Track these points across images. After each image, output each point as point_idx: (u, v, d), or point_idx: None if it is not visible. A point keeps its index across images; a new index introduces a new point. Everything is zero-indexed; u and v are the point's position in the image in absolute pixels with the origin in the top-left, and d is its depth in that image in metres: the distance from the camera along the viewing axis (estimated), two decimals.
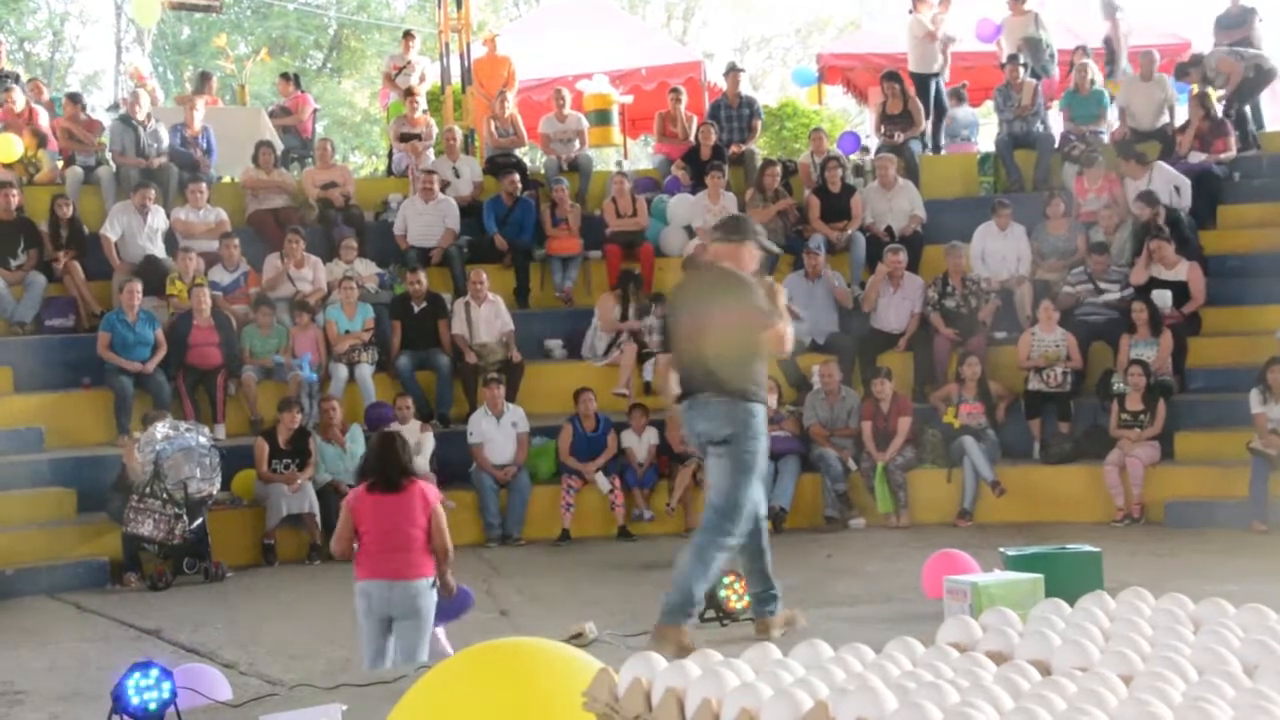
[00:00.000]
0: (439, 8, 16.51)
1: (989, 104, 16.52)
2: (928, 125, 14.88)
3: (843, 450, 11.59)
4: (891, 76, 14.78)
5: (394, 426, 10.53)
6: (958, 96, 15.75)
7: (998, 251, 12.99)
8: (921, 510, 11.44)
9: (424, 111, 15.34)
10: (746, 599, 6.49)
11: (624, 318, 13.01)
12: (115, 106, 17.68)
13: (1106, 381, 11.66)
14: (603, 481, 11.51)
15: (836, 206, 13.67)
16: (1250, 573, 8.21)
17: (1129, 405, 11.26)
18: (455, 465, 11.62)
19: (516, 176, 14.05)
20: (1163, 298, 12.03)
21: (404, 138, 14.90)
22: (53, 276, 12.53)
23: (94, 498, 10.74)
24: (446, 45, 16.09)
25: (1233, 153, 13.71)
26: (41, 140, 13.81)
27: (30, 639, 8.66)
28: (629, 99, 17.49)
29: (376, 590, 6.46)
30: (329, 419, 11.44)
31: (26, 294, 12.31)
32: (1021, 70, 14.48)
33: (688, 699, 3.12)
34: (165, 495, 10.05)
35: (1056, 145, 14.32)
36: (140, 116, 13.63)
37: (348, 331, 12.41)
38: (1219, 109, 13.97)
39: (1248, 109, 14.39)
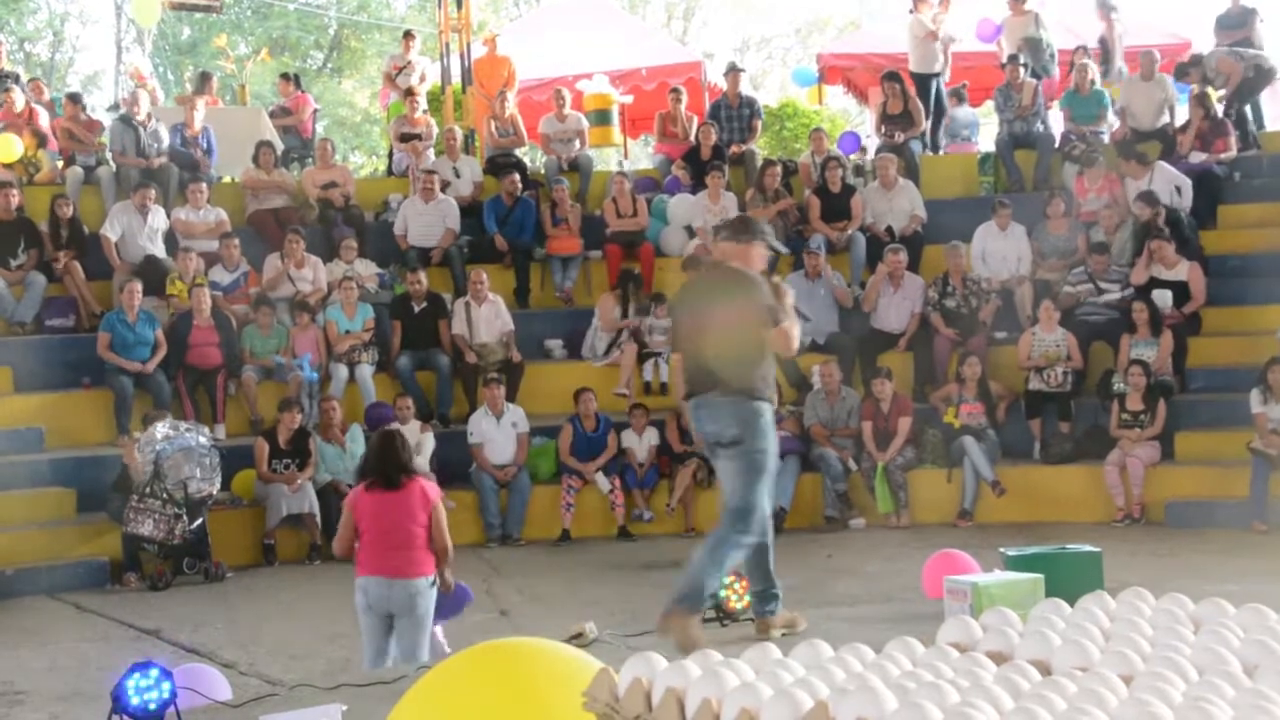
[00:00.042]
0: (439, 8, 16.51)
1: (989, 104, 16.52)
2: (927, 125, 14.88)
3: (843, 450, 11.59)
4: (892, 76, 14.77)
5: (394, 426, 10.51)
6: (958, 96, 15.75)
7: (998, 251, 12.99)
8: (922, 510, 11.44)
9: (424, 111, 15.34)
10: (747, 599, 6.50)
11: (624, 318, 13.01)
12: (115, 106, 17.68)
13: (1107, 381, 11.66)
14: (603, 481, 11.50)
15: (837, 206, 13.67)
16: (1250, 573, 8.20)
17: (1129, 405, 11.26)
18: (455, 465, 11.62)
19: (516, 176, 14.05)
20: (1163, 298, 12.03)
21: (404, 138, 14.90)
22: (53, 276, 12.53)
23: (94, 498, 10.74)
24: (446, 45, 16.09)
25: (1233, 153, 13.71)
26: (41, 140, 13.81)
27: (30, 639, 8.66)
28: (629, 99, 17.49)
29: (375, 587, 6.46)
30: (329, 419, 11.44)
31: (26, 294, 12.31)
32: (1022, 70, 14.48)
33: (688, 699, 3.12)
34: (165, 495, 10.05)
35: (1057, 145, 14.32)
36: (140, 116, 13.63)
37: (348, 331, 12.41)
38: (1219, 109, 13.98)
39: (1248, 109, 14.39)
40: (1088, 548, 6.56)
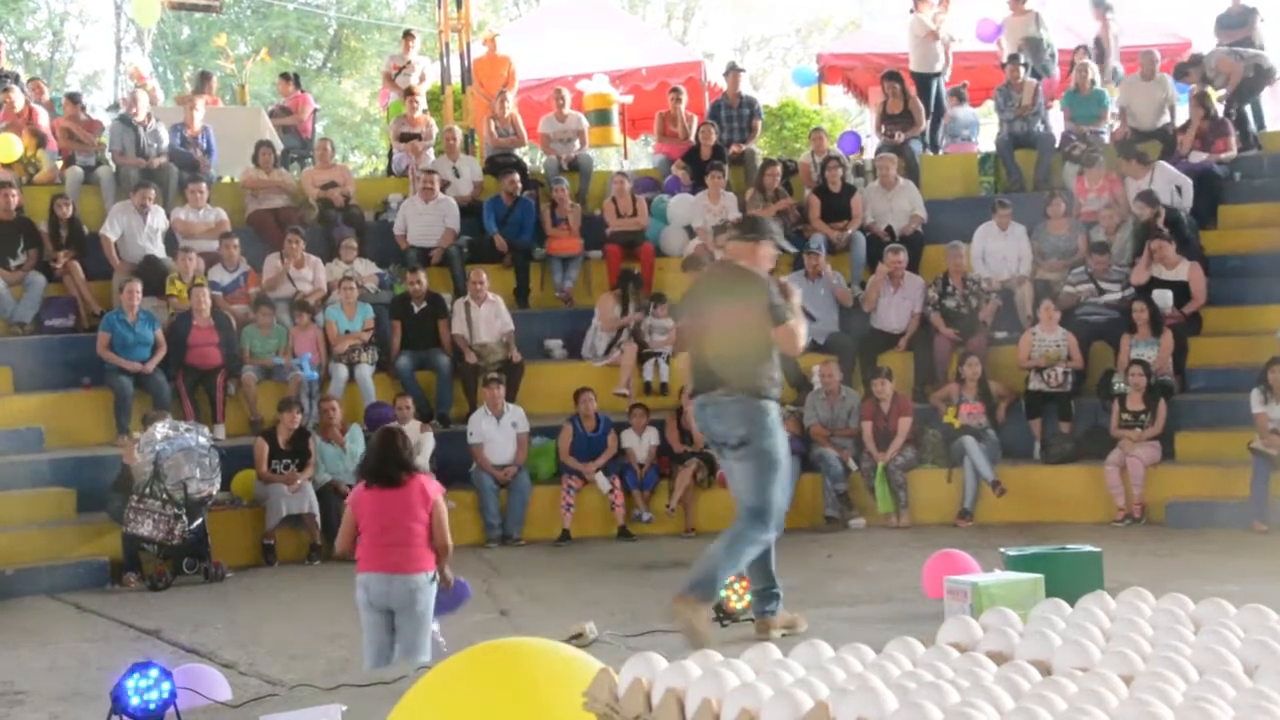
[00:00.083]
0: (439, 8, 16.51)
1: (989, 104, 16.51)
2: (927, 125, 14.87)
3: (843, 450, 11.59)
4: (892, 76, 14.77)
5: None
6: (958, 96, 15.75)
7: (998, 251, 12.99)
8: (922, 510, 11.44)
9: (424, 111, 15.33)
10: (747, 599, 6.50)
11: (624, 316, 13.01)
12: (115, 106, 17.68)
13: (1107, 381, 11.66)
14: (603, 482, 11.50)
15: (837, 206, 13.67)
16: (1251, 573, 8.21)
17: (1130, 405, 11.26)
18: (455, 465, 11.61)
19: (516, 176, 14.05)
20: (1163, 298, 12.03)
21: (404, 138, 14.90)
22: (52, 276, 12.52)
23: (94, 498, 10.73)
24: (446, 45, 16.09)
25: (1233, 152, 13.70)
26: (41, 140, 13.80)
27: (30, 639, 8.66)
28: (629, 99, 17.49)
29: (375, 583, 6.47)
30: (329, 419, 11.44)
31: (26, 294, 12.30)
32: (1022, 70, 14.47)
33: (688, 699, 3.12)
34: (165, 495, 10.05)
35: (1057, 145, 14.31)
36: (140, 116, 13.62)
37: (348, 331, 12.40)
38: (1219, 109, 13.98)
39: (1248, 109, 14.39)
40: (1088, 548, 6.57)
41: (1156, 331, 11.75)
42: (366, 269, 13.12)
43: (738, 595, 6.52)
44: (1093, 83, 14.38)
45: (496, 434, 11.63)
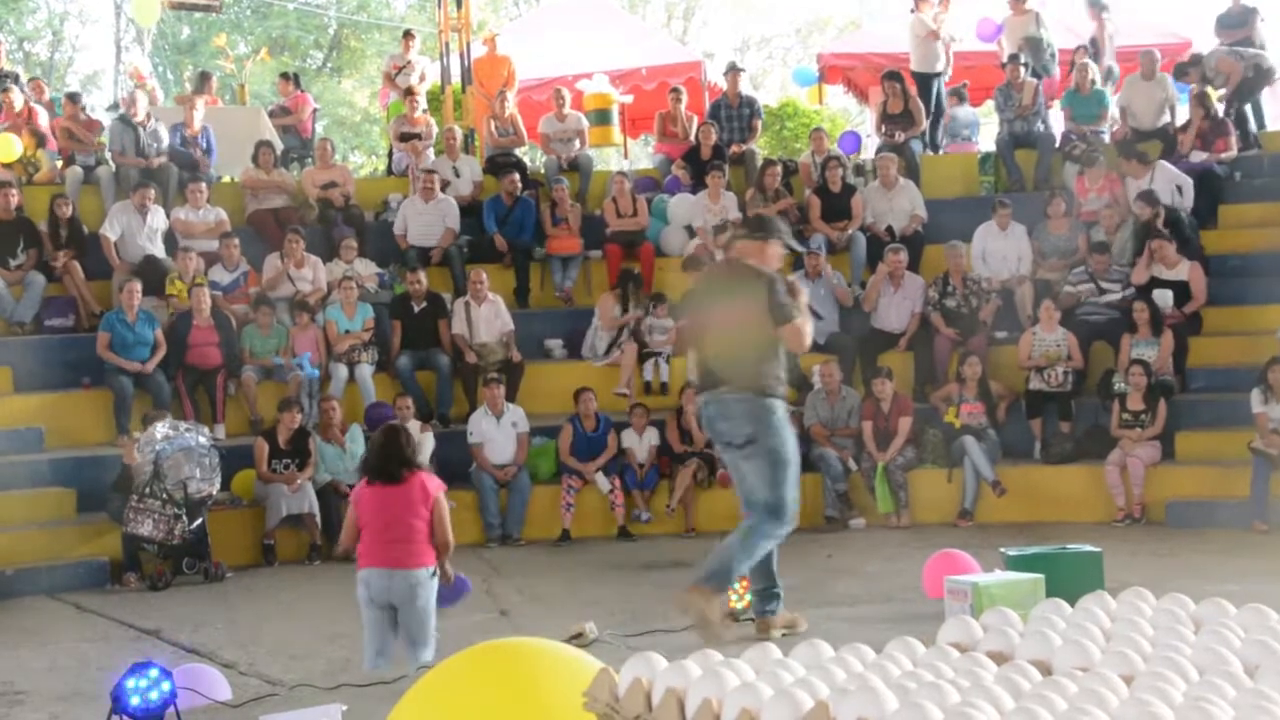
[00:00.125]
0: (439, 8, 16.51)
1: (989, 104, 16.51)
2: (927, 125, 14.87)
3: (843, 450, 11.58)
4: (892, 76, 14.76)
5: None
6: (958, 96, 15.75)
7: (998, 251, 12.99)
8: (922, 510, 11.43)
9: (424, 111, 15.34)
10: (747, 599, 6.50)
11: (623, 315, 13.01)
12: (115, 106, 17.68)
13: (1107, 381, 11.65)
14: (603, 481, 11.50)
15: (837, 206, 13.66)
16: (1251, 573, 8.21)
17: (1130, 405, 11.26)
18: (455, 465, 11.59)
19: (516, 176, 14.05)
20: (1164, 297, 12.03)
21: (404, 137, 14.90)
22: (52, 276, 12.52)
23: (94, 498, 10.73)
24: (446, 45, 16.09)
25: (1234, 152, 13.70)
26: (41, 140, 13.80)
27: (30, 639, 8.65)
28: (629, 99, 17.49)
29: (376, 579, 6.47)
30: (329, 419, 11.43)
31: (26, 294, 12.30)
32: (1022, 70, 14.47)
33: (688, 699, 3.12)
34: (165, 495, 10.05)
35: (1057, 145, 14.31)
36: (139, 116, 13.62)
37: (348, 331, 12.40)
38: (1219, 109, 13.97)
39: (1248, 108, 14.38)
40: (1088, 548, 6.57)
41: (1157, 331, 11.74)
42: (366, 269, 13.12)
43: (738, 595, 6.53)
44: (1093, 82, 14.38)
45: (496, 434, 11.63)
